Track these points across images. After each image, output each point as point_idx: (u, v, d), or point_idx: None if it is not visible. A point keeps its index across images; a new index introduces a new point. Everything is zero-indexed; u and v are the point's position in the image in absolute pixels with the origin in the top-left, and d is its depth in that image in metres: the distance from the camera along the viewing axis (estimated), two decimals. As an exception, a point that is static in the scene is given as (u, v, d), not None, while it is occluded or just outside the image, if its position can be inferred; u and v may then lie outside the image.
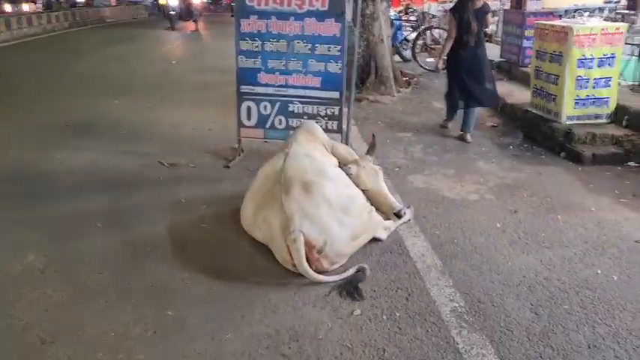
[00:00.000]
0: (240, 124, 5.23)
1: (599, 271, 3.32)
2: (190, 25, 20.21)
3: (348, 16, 4.92)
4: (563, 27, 5.63)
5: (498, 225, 3.95)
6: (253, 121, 5.18)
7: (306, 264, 3.09)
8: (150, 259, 3.47)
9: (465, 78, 6.01)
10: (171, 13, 19.70)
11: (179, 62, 12.16)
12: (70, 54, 13.39)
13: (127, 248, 3.62)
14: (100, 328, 2.78)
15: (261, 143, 5.37)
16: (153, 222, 3.99)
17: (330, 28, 4.81)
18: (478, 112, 6.46)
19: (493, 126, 6.66)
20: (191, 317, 2.88)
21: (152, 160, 5.29)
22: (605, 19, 6.88)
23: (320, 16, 4.79)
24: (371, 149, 4.08)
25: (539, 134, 5.97)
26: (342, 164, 3.91)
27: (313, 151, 3.84)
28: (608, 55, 5.58)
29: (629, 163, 5.15)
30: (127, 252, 3.57)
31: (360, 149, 5.14)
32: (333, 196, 3.32)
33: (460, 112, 6.29)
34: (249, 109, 5.14)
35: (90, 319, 2.86)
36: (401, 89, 8.67)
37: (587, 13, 6.40)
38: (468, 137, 6.06)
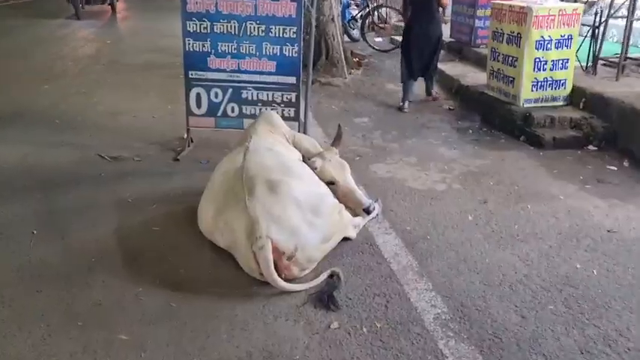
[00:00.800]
0: (189, 113, 4.82)
1: (578, 265, 3.20)
2: (105, 10, 15.26)
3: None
4: (522, 7, 5.49)
5: (470, 218, 3.79)
6: (203, 109, 4.78)
7: (275, 273, 2.80)
8: (96, 271, 3.08)
9: (416, 54, 6.43)
10: None
11: (113, 43, 11.37)
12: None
13: (69, 259, 3.20)
14: (42, 359, 2.41)
15: (212, 132, 5.00)
16: (96, 226, 3.58)
17: (286, 7, 4.47)
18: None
19: (450, 109, 6.51)
20: (149, 340, 2.54)
21: (91, 154, 4.81)
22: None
23: (274, -6, 4.44)
24: (337, 140, 3.80)
25: (497, 117, 5.85)
26: (306, 157, 3.63)
27: (275, 144, 3.53)
28: (566, 37, 5.51)
29: (589, 147, 5.11)
30: (68, 263, 3.15)
31: (317, 136, 4.88)
32: (301, 195, 3.03)
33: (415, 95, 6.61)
34: (198, 96, 4.73)
35: (29, 349, 2.47)
36: (352, 70, 8.40)
37: (542, -7, 6.30)
38: (434, 93, 6.79)
